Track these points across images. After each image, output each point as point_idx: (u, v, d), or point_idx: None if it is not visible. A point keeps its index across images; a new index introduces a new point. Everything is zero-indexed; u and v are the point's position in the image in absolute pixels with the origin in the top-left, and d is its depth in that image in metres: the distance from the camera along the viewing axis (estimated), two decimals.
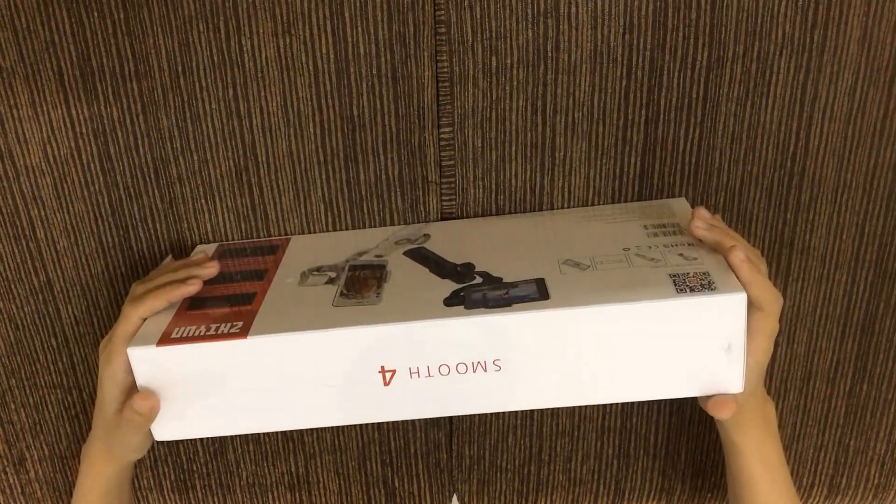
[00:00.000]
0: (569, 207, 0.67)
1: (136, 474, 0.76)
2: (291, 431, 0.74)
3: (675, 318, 0.52)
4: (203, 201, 0.67)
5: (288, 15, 0.60)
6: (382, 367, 0.54)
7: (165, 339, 0.55)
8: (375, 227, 0.68)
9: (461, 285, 0.57)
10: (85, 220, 0.67)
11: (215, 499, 0.77)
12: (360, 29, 0.61)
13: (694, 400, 0.62)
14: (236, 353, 0.54)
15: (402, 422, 0.73)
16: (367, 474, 0.76)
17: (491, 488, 0.77)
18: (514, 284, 0.56)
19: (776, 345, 0.57)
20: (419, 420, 0.73)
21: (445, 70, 0.62)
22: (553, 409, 0.73)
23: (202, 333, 0.55)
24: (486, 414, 0.73)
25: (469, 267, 0.59)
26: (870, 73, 0.62)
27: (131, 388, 0.57)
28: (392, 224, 0.67)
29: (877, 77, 0.62)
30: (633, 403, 0.73)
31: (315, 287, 0.60)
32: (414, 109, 0.63)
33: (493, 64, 0.62)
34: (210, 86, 0.62)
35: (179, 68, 0.62)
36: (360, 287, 0.59)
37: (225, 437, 0.74)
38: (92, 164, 0.65)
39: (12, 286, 0.69)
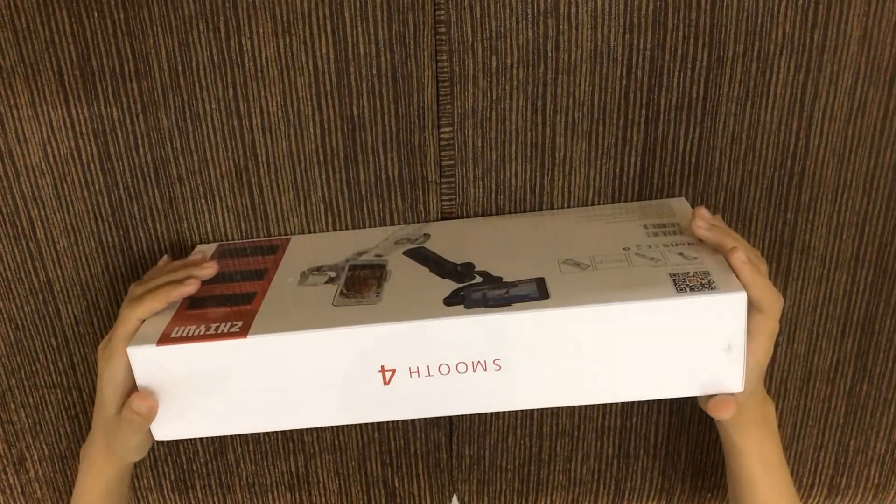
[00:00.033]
0: (569, 207, 0.67)
1: (136, 474, 0.76)
2: (291, 431, 0.74)
3: (675, 318, 0.52)
4: (203, 201, 0.67)
5: (288, 15, 0.60)
6: (382, 367, 0.54)
7: (165, 339, 0.55)
8: (375, 226, 0.68)
9: (461, 285, 0.57)
10: (85, 220, 0.67)
11: (215, 499, 0.77)
12: (360, 29, 0.61)
13: (694, 400, 0.62)
14: (236, 352, 0.54)
15: (402, 422, 0.73)
16: (367, 474, 0.76)
17: (491, 488, 0.77)
18: (514, 284, 0.56)
19: (776, 345, 0.57)
20: (419, 420, 0.73)
21: (445, 70, 0.62)
22: (553, 409, 0.73)
23: (202, 333, 0.55)
24: (486, 414, 0.73)
25: (469, 266, 0.59)
26: (870, 73, 0.62)
27: (131, 390, 0.57)
28: (392, 224, 0.67)
29: (877, 77, 0.62)
30: (633, 403, 0.73)
31: (315, 287, 0.60)
32: (414, 109, 0.63)
33: (493, 64, 0.62)
34: (210, 86, 0.62)
35: (179, 68, 0.62)
36: (360, 287, 0.59)
37: (225, 437, 0.74)
38: (92, 164, 0.65)
39: (12, 286, 0.69)
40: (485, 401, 0.56)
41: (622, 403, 0.73)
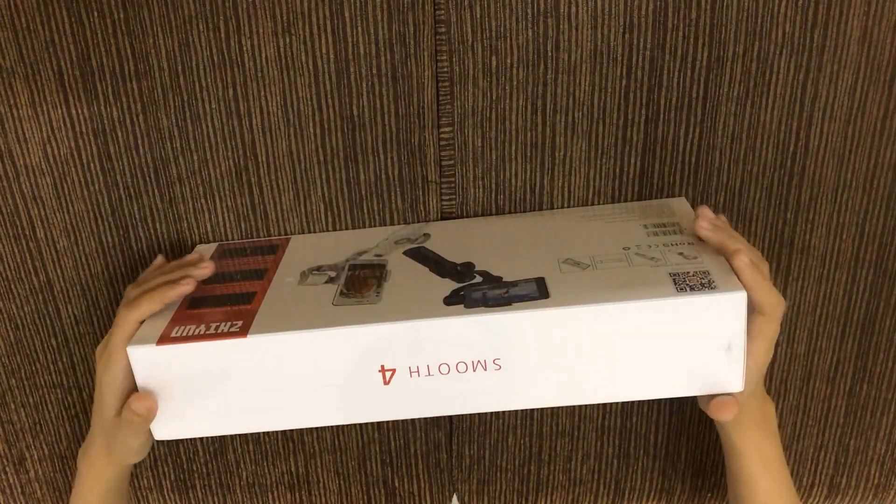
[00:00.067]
0: (569, 207, 0.67)
1: (136, 474, 0.76)
2: (291, 431, 0.74)
3: (675, 318, 0.52)
4: (203, 201, 0.67)
5: (288, 15, 0.60)
6: (382, 367, 0.54)
7: (165, 339, 0.55)
8: (375, 226, 0.68)
9: (461, 284, 0.57)
10: (85, 220, 0.67)
11: (215, 499, 0.77)
12: (360, 29, 0.61)
13: (694, 400, 0.62)
14: (236, 352, 0.54)
15: (402, 422, 0.73)
16: (367, 474, 0.76)
17: (491, 488, 0.77)
18: (514, 283, 0.56)
19: (776, 345, 0.57)
20: (419, 420, 0.73)
21: (445, 70, 0.62)
22: (553, 409, 0.73)
23: (202, 333, 0.55)
24: (486, 414, 0.73)
25: (469, 266, 0.59)
26: (870, 73, 0.62)
27: (131, 392, 0.57)
28: (392, 224, 0.67)
29: (877, 77, 0.62)
30: (633, 403, 0.73)
31: (315, 286, 0.60)
32: (414, 109, 0.63)
33: (493, 64, 0.62)
34: (210, 86, 0.62)
35: (179, 68, 0.62)
36: (360, 286, 0.59)
37: (225, 437, 0.74)
38: (92, 164, 0.65)
39: (12, 286, 0.69)
40: (485, 400, 0.56)
41: (622, 403, 0.73)
